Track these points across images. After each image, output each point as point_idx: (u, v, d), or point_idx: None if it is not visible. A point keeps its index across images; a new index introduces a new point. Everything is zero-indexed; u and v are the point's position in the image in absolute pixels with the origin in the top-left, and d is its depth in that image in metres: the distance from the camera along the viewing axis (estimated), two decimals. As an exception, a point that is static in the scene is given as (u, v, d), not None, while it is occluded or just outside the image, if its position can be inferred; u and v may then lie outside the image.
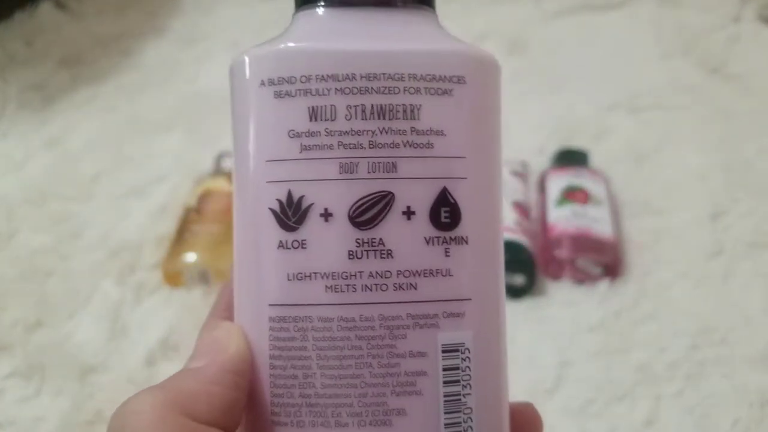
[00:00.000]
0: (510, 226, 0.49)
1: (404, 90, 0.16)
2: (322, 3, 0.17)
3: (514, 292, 0.47)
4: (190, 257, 0.49)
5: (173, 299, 0.48)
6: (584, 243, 0.49)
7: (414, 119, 0.16)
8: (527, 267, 0.48)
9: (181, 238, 0.50)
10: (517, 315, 0.46)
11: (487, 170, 0.17)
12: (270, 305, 0.16)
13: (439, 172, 0.16)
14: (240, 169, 0.17)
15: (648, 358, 0.44)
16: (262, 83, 0.16)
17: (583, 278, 0.48)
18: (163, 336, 0.45)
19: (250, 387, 0.16)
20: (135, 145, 0.62)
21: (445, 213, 0.16)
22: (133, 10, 0.80)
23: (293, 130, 0.16)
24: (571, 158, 0.56)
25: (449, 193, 0.16)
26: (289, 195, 0.16)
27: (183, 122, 0.65)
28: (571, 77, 0.69)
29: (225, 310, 0.18)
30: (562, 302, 0.47)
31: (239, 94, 0.17)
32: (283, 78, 0.16)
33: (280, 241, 0.16)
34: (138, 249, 0.51)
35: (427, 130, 0.16)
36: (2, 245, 0.53)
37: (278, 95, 0.16)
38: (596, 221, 0.50)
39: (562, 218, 0.50)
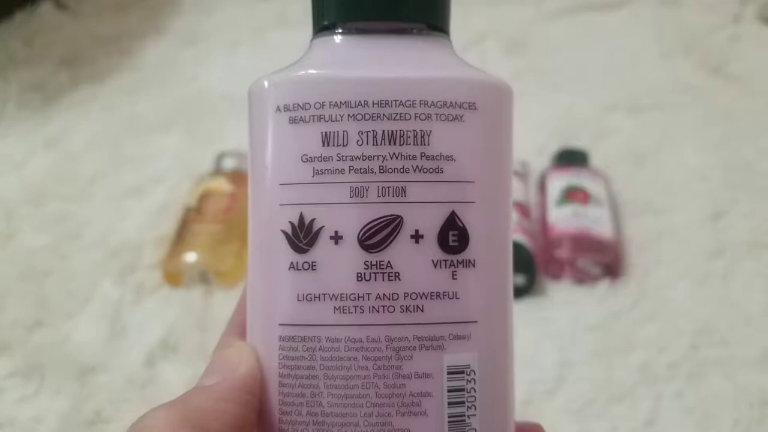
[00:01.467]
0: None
1: (415, 116, 0.16)
2: (339, 31, 0.17)
3: (515, 292, 0.47)
4: (190, 257, 0.49)
5: (173, 299, 0.48)
6: (584, 243, 0.49)
7: (424, 145, 0.16)
8: (527, 267, 0.47)
9: (181, 237, 0.50)
10: (517, 315, 0.46)
11: (496, 194, 0.17)
12: (280, 325, 0.16)
13: (448, 197, 0.16)
14: (255, 191, 0.17)
15: (648, 358, 0.44)
16: (278, 109, 0.16)
17: (583, 278, 0.48)
18: (163, 336, 0.45)
19: (260, 404, 0.17)
20: (135, 145, 0.62)
21: (453, 236, 0.16)
22: (133, 10, 0.80)
23: (306, 155, 0.16)
24: (571, 158, 0.56)
25: (457, 217, 0.16)
26: (301, 218, 0.16)
27: (183, 122, 0.64)
28: (572, 77, 0.69)
29: (239, 327, 0.18)
30: (562, 302, 0.47)
31: (257, 118, 0.17)
32: (298, 104, 0.16)
33: (292, 263, 0.16)
34: (138, 249, 0.51)
35: (437, 156, 0.16)
36: (2, 245, 0.53)
37: (293, 121, 0.16)
38: (596, 221, 0.50)
39: (562, 218, 0.50)
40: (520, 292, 0.48)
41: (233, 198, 0.52)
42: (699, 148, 0.60)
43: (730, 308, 0.47)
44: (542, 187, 0.54)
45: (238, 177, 0.54)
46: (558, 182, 0.53)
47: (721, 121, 0.63)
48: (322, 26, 0.18)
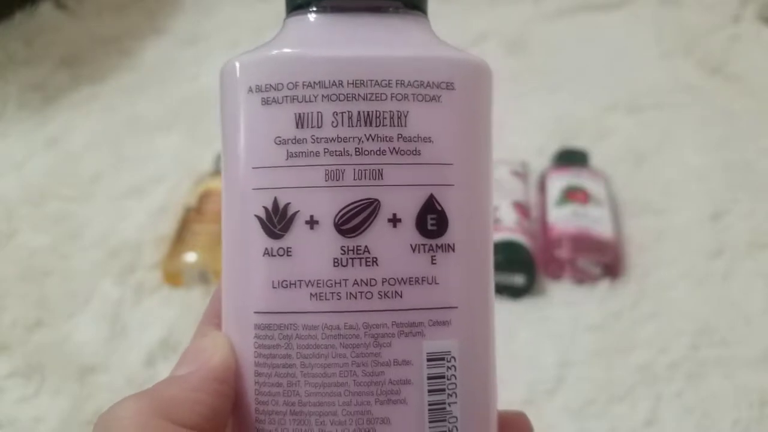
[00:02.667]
0: (510, 225, 0.49)
1: (391, 96, 0.16)
2: (314, 9, 0.17)
3: (514, 292, 0.47)
4: (190, 257, 0.49)
5: (173, 299, 0.48)
6: (584, 243, 0.49)
7: (401, 126, 0.16)
8: (527, 267, 0.47)
9: (181, 237, 0.50)
10: (517, 315, 0.46)
11: (476, 177, 0.17)
12: (255, 312, 0.16)
13: (426, 179, 0.16)
14: (228, 176, 0.17)
15: (648, 358, 0.44)
16: (250, 89, 0.16)
17: (583, 278, 0.48)
18: (163, 336, 0.45)
19: (236, 394, 0.16)
20: (135, 144, 0.62)
21: (431, 220, 0.16)
22: (133, 10, 0.80)
23: (280, 137, 0.16)
24: (571, 158, 0.56)
25: (436, 200, 0.16)
26: (275, 202, 0.16)
27: (183, 122, 0.65)
28: (572, 77, 0.69)
29: (215, 317, 0.18)
30: (562, 302, 0.47)
31: (228, 100, 0.17)
32: (271, 85, 0.16)
33: (266, 249, 0.16)
34: (138, 249, 0.51)
35: (415, 137, 0.16)
36: (2, 245, 0.53)
37: (265, 102, 0.16)
38: (596, 221, 0.50)
39: (562, 218, 0.50)
40: (520, 292, 0.48)
41: (233, 198, 0.52)
42: (699, 148, 0.60)
43: (730, 308, 0.47)
44: (542, 187, 0.55)
45: (238, 177, 0.54)
46: (558, 182, 0.53)
47: (720, 121, 0.63)
48: (295, 5, 0.17)
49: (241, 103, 0.16)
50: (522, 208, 0.52)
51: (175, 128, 0.64)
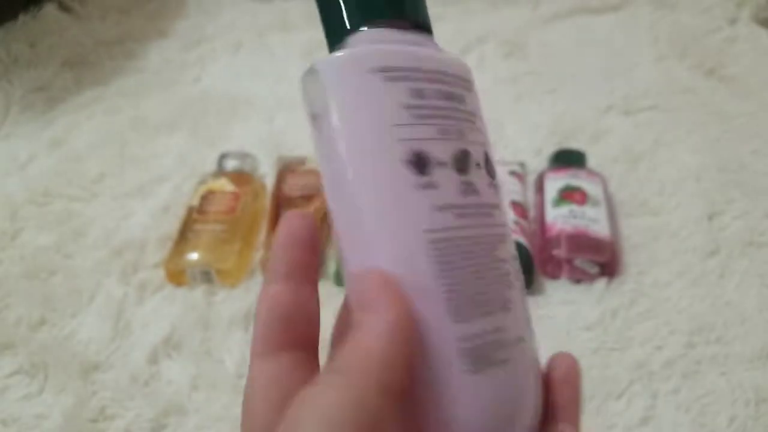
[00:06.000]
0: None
1: (454, 83, 0.22)
2: (365, 28, 0.22)
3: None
4: (193, 256, 0.49)
5: (176, 298, 0.49)
6: (582, 242, 0.49)
7: (463, 103, 0.22)
8: (525, 266, 0.48)
9: (184, 237, 0.51)
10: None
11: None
12: (425, 231, 0.20)
13: (482, 140, 0.22)
14: (363, 137, 0.20)
15: (645, 357, 0.44)
16: (372, 70, 0.21)
17: (580, 277, 0.49)
18: (166, 334, 0.46)
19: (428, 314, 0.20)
20: (138, 145, 0.63)
21: (489, 168, 0.22)
22: (137, 13, 0.80)
23: (404, 103, 0.21)
24: (568, 159, 0.57)
25: (488, 155, 0.22)
26: (417, 150, 0.20)
27: (186, 123, 0.65)
28: (569, 79, 0.69)
29: (266, 340, 0.20)
30: (560, 301, 0.48)
31: (344, 82, 0.21)
32: (389, 67, 0.21)
33: (420, 183, 0.20)
34: (141, 248, 0.52)
35: (470, 111, 0.22)
36: (6, 244, 0.53)
37: (388, 79, 0.21)
38: (593, 221, 0.50)
39: (559, 218, 0.51)
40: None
41: (235, 198, 0.53)
42: (695, 149, 0.60)
43: (726, 307, 0.47)
44: (540, 187, 0.55)
45: (239, 177, 0.55)
46: (555, 182, 0.54)
47: (716, 122, 0.63)
48: (349, 29, 0.21)
49: (364, 81, 0.20)
50: (520, 208, 0.52)
51: (178, 129, 0.64)
